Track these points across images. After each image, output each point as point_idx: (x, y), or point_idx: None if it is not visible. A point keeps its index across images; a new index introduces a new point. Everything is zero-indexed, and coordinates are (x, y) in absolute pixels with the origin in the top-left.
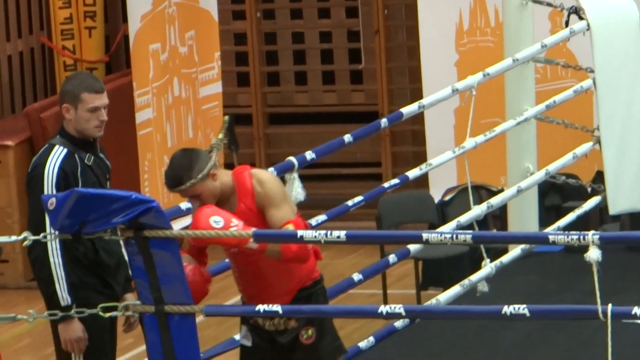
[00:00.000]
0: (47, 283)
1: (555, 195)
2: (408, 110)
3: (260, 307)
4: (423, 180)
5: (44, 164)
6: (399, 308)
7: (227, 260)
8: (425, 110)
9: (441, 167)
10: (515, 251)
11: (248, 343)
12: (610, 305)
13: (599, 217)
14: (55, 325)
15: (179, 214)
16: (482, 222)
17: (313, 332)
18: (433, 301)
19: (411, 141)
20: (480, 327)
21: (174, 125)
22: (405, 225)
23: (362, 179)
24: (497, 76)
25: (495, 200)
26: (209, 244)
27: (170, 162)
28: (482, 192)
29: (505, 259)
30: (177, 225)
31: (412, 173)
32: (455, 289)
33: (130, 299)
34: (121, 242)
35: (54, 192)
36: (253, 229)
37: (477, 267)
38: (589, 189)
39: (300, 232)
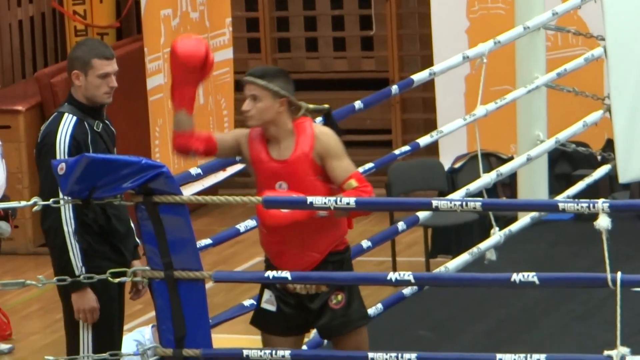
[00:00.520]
0: (61, 252)
1: (565, 164)
2: (419, 77)
3: (270, 274)
4: (433, 147)
5: (55, 133)
6: (407, 275)
7: (236, 226)
8: (436, 77)
9: (451, 135)
10: (524, 219)
11: (272, 308)
12: (619, 273)
13: (608, 186)
14: (65, 292)
15: (189, 179)
16: (492, 190)
17: (343, 297)
18: (442, 269)
19: (422, 108)
20: (489, 295)
21: None
22: (414, 192)
23: (373, 146)
24: (507, 44)
25: (505, 168)
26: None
27: (262, 65)
28: (492, 159)
29: (514, 227)
30: (187, 190)
31: (423, 140)
32: (464, 257)
33: (138, 266)
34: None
35: None
36: (264, 196)
37: (486, 235)
38: (599, 157)
39: (310, 199)
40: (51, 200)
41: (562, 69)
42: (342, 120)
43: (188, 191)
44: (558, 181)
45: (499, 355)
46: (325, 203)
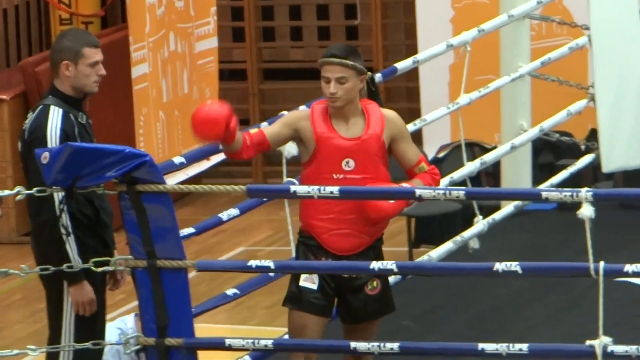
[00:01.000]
0: (58, 246)
1: (549, 153)
2: (402, 65)
3: (253, 263)
4: (417, 136)
5: (45, 126)
6: (391, 264)
7: (219, 215)
8: (420, 66)
9: (435, 124)
10: (507, 208)
11: (313, 286)
12: (602, 263)
13: (592, 175)
14: (49, 281)
15: (173, 168)
16: (475, 179)
17: (378, 283)
18: (425, 257)
19: (406, 97)
20: (472, 285)
21: (169, 80)
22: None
23: None
24: (492, 32)
25: (489, 157)
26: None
27: (337, 45)
28: (476, 149)
29: (497, 216)
30: (171, 179)
31: None
32: (448, 246)
33: (117, 255)
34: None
35: None
36: (248, 185)
37: (470, 224)
38: (583, 147)
39: (293, 188)
40: (34, 189)
41: (546, 58)
42: None
43: (171, 180)
44: (541, 170)
45: (481, 345)
46: (308, 192)
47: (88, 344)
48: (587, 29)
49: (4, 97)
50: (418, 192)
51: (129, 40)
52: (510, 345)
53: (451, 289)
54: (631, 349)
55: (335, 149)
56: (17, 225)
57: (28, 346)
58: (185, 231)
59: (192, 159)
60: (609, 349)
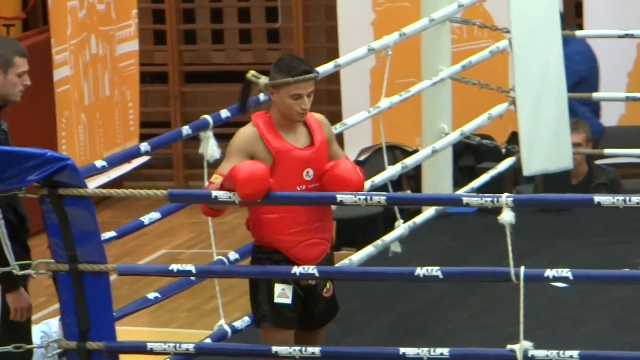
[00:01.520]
0: None
1: (470, 156)
2: (324, 69)
3: (174, 267)
4: (338, 139)
5: None
6: (312, 269)
7: (141, 219)
8: (341, 69)
9: (356, 127)
10: (428, 212)
11: (287, 301)
12: (522, 268)
13: (513, 178)
14: None
15: (94, 171)
16: (396, 182)
17: (330, 285)
18: (346, 261)
19: (327, 100)
20: (393, 288)
21: (91, 83)
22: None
23: None
24: (413, 36)
25: (410, 161)
26: None
27: (291, 56)
28: (397, 152)
29: (418, 219)
30: (93, 183)
31: None
32: (369, 250)
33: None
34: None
35: None
36: (169, 190)
37: (391, 227)
38: (504, 150)
39: (214, 193)
40: None
41: (467, 61)
42: (247, 113)
43: (93, 183)
44: (463, 174)
45: (402, 350)
46: (230, 197)
47: (9, 347)
48: (508, 32)
49: None
50: (339, 197)
51: (51, 43)
52: (432, 349)
53: (372, 291)
54: (552, 353)
55: (295, 161)
56: None
57: None
58: (106, 234)
59: (113, 162)
60: (530, 353)
